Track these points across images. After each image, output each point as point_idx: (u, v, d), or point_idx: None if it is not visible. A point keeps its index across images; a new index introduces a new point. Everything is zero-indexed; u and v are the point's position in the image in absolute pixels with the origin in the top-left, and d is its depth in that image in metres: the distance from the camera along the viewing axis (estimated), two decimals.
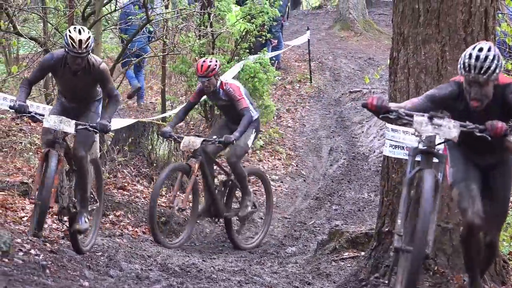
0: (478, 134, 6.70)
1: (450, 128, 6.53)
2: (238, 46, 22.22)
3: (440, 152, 7.07)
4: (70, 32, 10.43)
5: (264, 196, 16.61)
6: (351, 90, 25.66)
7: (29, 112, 10.86)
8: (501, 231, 7.68)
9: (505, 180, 7.51)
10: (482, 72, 6.39)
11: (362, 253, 12.65)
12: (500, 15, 12.11)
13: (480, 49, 6.50)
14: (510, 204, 8.96)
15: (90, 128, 11.19)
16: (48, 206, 12.17)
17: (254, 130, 15.75)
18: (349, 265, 12.92)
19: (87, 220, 12.29)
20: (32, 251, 10.61)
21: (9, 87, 19.93)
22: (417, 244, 6.58)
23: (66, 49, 10.49)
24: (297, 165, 21.14)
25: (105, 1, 19.12)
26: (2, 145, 18.63)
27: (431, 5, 10.52)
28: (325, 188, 19.16)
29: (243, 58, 22.11)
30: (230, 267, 11.66)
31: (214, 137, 15.01)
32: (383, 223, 11.19)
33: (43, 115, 10.94)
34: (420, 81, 10.64)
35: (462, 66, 6.65)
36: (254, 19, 22.82)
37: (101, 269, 10.97)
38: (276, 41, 26.13)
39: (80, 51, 10.39)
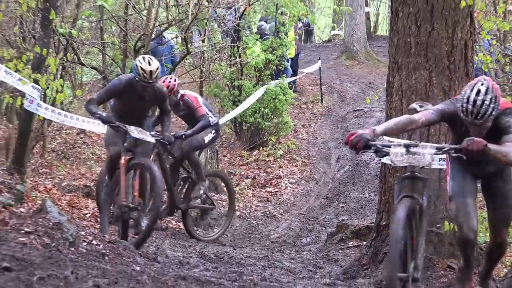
0: (454, 155, 6.46)
1: (425, 155, 6.17)
2: (262, 73, 22.19)
3: (424, 176, 6.53)
4: (140, 63, 10.08)
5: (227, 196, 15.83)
6: (355, 109, 25.67)
7: (114, 122, 10.57)
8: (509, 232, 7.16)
9: (505, 187, 7.04)
10: (478, 117, 6.09)
11: (364, 243, 12.66)
12: (477, 46, 12.05)
13: (478, 92, 6.09)
14: None
15: (161, 140, 11.10)
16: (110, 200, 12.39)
17: (214, 131, 15.14)
18: (353, 252, 12.93)
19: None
20: (94, 242, 10.61)
21: (74, 107, 19.95)
22: (386, 268, 6.47)
23: (137, 78, 10.17)
24: (310, 171, 21.15)
25: (152, 37, 19.12)
26: (69, 155, 18.67)
27: (420, 39, 10.51)
28: (333, 190, 19.16)
29: (266, 83, 22.09)
30: (256, 254, 11.63)
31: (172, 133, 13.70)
32: (381, 218, 11.18)
33: (126, 126, 10.57)
34: (411, 102, 10.59)
35: (460, 109, 6.31)
36: (275, 51, 22.81)
37: (150, 256, 10.97)
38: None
39: (150, 81, 10.15)
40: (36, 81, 11.65)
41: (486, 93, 6.04)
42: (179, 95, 13.93)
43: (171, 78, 14.18)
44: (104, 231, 11.05)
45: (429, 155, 6.07)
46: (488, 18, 12.52)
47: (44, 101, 11.93)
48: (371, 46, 34.30)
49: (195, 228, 15.11)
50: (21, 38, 15.91)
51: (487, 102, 5.98)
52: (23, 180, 12.37)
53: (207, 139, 14.78)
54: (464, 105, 6.13)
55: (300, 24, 27.37)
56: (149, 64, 9.95)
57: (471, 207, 6.67)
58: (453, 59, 10.54)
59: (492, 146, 5.90)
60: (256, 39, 22.69)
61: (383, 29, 40.35)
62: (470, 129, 6.38)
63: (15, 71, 11.51)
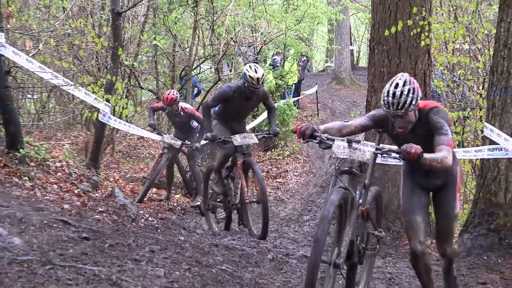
0: (392, 156, 5.66)
1: (365, 152, 5.44)
2: (274, 94, 22.11)
3: (360, 173, 5.70)
4: (248, 71, 9.45)
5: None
6: (342, 121, 25.67)
7: (220, 138, 9.80)
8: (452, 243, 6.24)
9: (448, 200, 6.08)
10: (399, 107, 5.33)
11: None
12: (433, 75, 11.99)
13: (396, 85, 5.38)
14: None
15: (266, 135, 10.67)
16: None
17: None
18: None
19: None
20: (150, 219, 10.60)
21: (135, 119, 19.98)
22: (311, 254, 5.11)
23: (246, 84, 9.54)
24: (309, 166, 21.11)
25: (193, 68, 19.10)
26: (132, 154, 18.69)
27: (391, 69, 10.44)
28: (326, 180, 19.07)
29: (276, 102, 22.04)
30: (269, 228, 11.59)
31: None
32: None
33: (230, 137, 9.86)
34: None
35: (382, 103, 5.56)
36: (283, 78, 22.77)
37: (191, 229, 10.95)
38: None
39: (258, 86, 9.53)
40: (107, 100, 11.67)
41: (404, 85, 5.39)
42: (180, 106, 13.22)
43: (174, 92, 13.47)
44: (212, 229, 10.90)
45: (369, 153, 5.44)
46: (441, 54, 12.46)
47: (113, 115, 11.92)
48: (355, 75, 34.19)
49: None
50: (97, 68, 15.97)
51: (405, 93, 5.33)
52: (98, 173, 12.39)
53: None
54: (385, 98, 5.44)
55: (304, 58, 27.24)
56: (256, 72, 9.40)
57: (418, 223, 5.87)
58: None
59: (427, 155, 5.16)
60: (270, 69, 22.64)
61: (363, 62, 40.15)
62: (395, 123, 5.60)
63: (92, 93, 11.53)
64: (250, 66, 9.49)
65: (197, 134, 13.53)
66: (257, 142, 11.21)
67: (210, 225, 11.23)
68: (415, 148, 5.08)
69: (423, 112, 5.72)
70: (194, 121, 13.52)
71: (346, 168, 5.62)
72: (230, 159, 10.31)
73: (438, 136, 5.45)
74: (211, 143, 10.20)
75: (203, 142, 13.62)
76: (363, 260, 6.18)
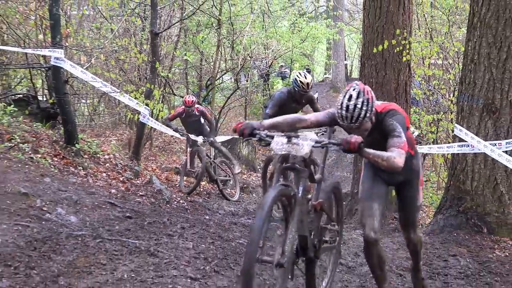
0: (332, 148, 4.80)
1: (303, 146, 4.54)
2: None
3: (303, 168, 4.75)
4: (298, 77, 8.97)
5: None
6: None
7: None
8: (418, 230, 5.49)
9: (411, 194, 5.29)
10: (353, 121, 4.49)
11: (344, 203, 12.58)
12: (413, 84, 11.94)
13: (350, 98, 4.55)
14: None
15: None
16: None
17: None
18: None
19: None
20: (181, 201, 10.61)
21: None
22: (246, 252, 4.04)
23: (296, 89, 9.03)
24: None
25: (216, 78, 19.09)
26: (166, 149, 18.70)
27: (378, 80, 10.37)
28: (325, 171, 19.07)
29: None
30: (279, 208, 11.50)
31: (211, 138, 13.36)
32: (353, 188, 11.07)
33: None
34: None
35: (337, 115, 4.70)
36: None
37: (214, 210, 10.96)
38: None
39: (307, 90, 9.04)
40: (147, 105, 11.68)
41: (357, 97, 4.54)
42: (195, 108, 13.06)
43: (192, 96, 13.60)
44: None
45: (308, 146, 4.56)
46: (419, 67, 12.42)
47: (152, 117, 11.93)
48: (349, 84, 34.15)
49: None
50: (138, 78, 15.97)
51: (359, 106, 4.49)
52: (139, 164, 12.41)
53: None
54: (339, 111, 4.61)
55: (305, 70, 27.19)
56: (305, 77, 8.91)
57: (375, 210, 4.96)
58: (398, 92, 10.42)
59: (369, 149, 4.43)
60: (279, 79, 22.63)
61: (355, 74, 39.91)
62: (351, 132, 4.65)
63: (135, 98, 11.53)
64: (300, 73, 9.08)
65: (208, 130, 13.37)
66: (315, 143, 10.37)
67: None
68: (355, 138, 4.32)
69: (380, 115, 4.86)
70: (202, 118, 13.30)
71: (289, 164, 4.75)
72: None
73: (391, 138, 4.63)
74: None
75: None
76: (320, 254, 5.23)
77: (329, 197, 5.63)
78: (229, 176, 14.21)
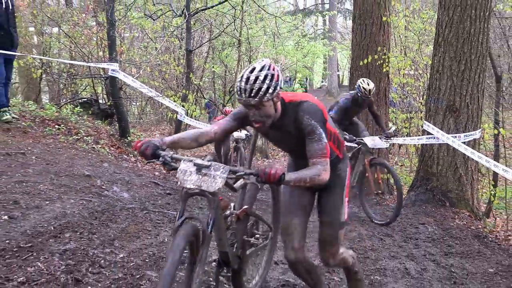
0: (248, 181, 3.63)
1: (216, 179, 3.02)
2: None
3: (214, 194, 3.15)
4: (362, 83, 7.69)
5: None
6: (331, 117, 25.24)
7: (355, 139, 7.61)
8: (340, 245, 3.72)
9: (333, 204, 3.65)
10: (252, 95, 3.11)
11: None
12: (390, 90, 11.87)
13: (252, 70, 3.17)
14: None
15: (386, 137, 7.90)
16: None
17: None
18: None
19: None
20: None
21: (200, 118, 20.00)
22: None
23: (359, 94, 7.67)
24: None
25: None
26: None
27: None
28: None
29: None
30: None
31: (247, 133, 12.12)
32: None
33: (362, 139, 7.71)
34: (362, 121, 10.47)
35: (236, 89, 3.28)
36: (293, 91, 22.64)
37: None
38: None
39: (369, 96, 7.65)
40: (183, 106, 11.68)
41: (260, 70, 3.15)
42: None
43: (230, 107, 13.18)
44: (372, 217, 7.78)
45: (221, 180, 3.04)
46: (396, 77, 12.35)
47: (186, 115, 11.92)
48: (340, 90, 33.78)
49: None
50: (176, 85, 15.98)
51: (261, 78, 3.11)
52: (176, 152, 12.32)
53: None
54: (238, 83, 3.21)
55: (306, 79, 27.10)
56: (368, 84, 7.69)
57: (294, 228, 3.61)
58: (379, 96, 10.35)
59: (290, 175, 3.09)
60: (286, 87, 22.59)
61: (346, 82, 39.76)
62: (251, 116, 3.25)
63: (174, 101, 11.53)
64: (363, 80, 7.89)
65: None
66: (387, 146, 8.72)
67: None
68: (275, 169, 3.02)
69: (290, 105, 3.41)
70: None
71: (197, 190, 3.08)
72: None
73: (311, 144, 3.27)
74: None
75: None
76: (245, 265, 3.91)
77: (254, 197, 4.12)
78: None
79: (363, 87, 7.61)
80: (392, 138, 8.02)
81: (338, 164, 3.67)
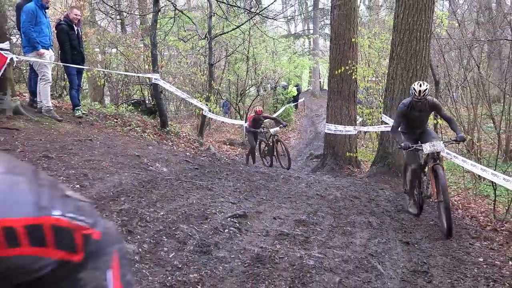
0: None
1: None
2: (283, 102, 21.85)
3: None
4: (414, 85, 5.49)
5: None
6: (316, 114, 25.03)
7: (412, 147, 5.42)
8: None
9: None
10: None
11: (319, 160, 12.45)
12: (358, 91, 11.75)
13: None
14: None
15: (453, 142, 5.66)
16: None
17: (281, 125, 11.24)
18: (315, 163, 12.68)
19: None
20: (227, 160, 10.54)
21: (219, 114, 19.95)
22: None
23: (413, 97, 5.47)
24: (300, 136, 20.84)
25: (246, 90, 18.95)
26: (219, 130, 18.66)
27: (338, 89, 10.25)
28: (308, 142, 18.83)
29: (285, 105, 21.80)
30: (285, 172, 11.43)
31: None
32: (325, 154, 10.97)
33: (420, 146, 5.47)
34: (337, 114, 10.39)
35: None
36: (288, 94, 22.51)
37: (245, 164, 10.88)
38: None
39: (420, 98, 5.39)
40: (207, 104, 11.62)
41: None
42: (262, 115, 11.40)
43: (260, 107, 12.03)
44: (412, 210, 5.95)
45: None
46: (362, 82, 12.23)
47: (210, 111, 11.85)
48: (321, 92, 33.54)
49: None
50: (202, 90, 15.88)
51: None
52: (202, 138, 12.35)
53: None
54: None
55: (298, 85, 26.91)
56: (420, 86, 5.42)
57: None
58: (350, 96, 10.30)
59: None
60: (283, 88, 22.40)
61: (325, 86, 39.52)
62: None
63: (200, 101, 11.45)
64: (417, 83, 5.57)
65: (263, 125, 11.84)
66: (444, 149, 5.58)
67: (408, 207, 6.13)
68: None
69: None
70: (264, 119, 11.92)
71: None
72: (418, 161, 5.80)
73: None
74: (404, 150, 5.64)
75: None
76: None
77: None
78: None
79: (413, 88, 5.50)
80: (460, 142, 5.67)
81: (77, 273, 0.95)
